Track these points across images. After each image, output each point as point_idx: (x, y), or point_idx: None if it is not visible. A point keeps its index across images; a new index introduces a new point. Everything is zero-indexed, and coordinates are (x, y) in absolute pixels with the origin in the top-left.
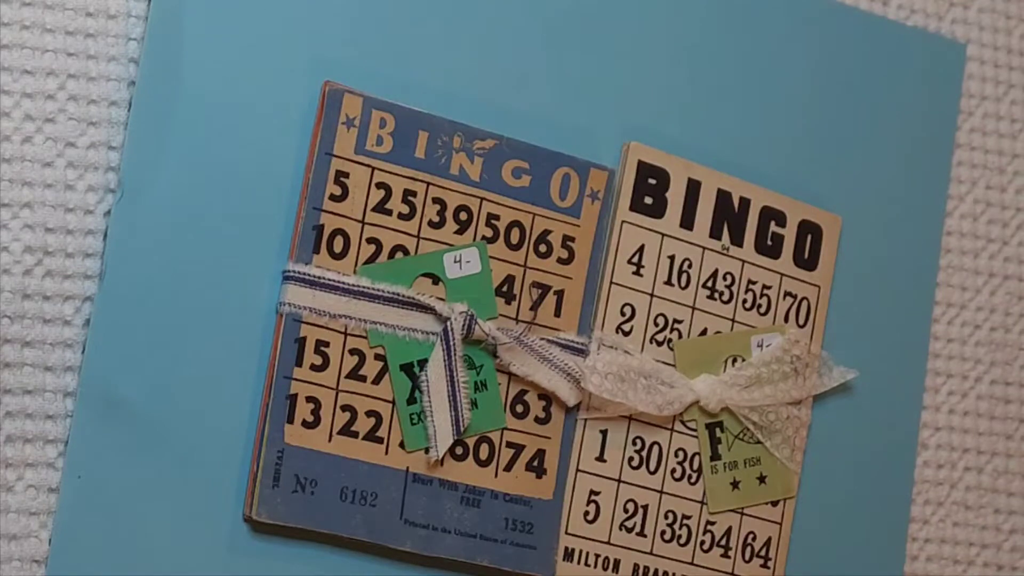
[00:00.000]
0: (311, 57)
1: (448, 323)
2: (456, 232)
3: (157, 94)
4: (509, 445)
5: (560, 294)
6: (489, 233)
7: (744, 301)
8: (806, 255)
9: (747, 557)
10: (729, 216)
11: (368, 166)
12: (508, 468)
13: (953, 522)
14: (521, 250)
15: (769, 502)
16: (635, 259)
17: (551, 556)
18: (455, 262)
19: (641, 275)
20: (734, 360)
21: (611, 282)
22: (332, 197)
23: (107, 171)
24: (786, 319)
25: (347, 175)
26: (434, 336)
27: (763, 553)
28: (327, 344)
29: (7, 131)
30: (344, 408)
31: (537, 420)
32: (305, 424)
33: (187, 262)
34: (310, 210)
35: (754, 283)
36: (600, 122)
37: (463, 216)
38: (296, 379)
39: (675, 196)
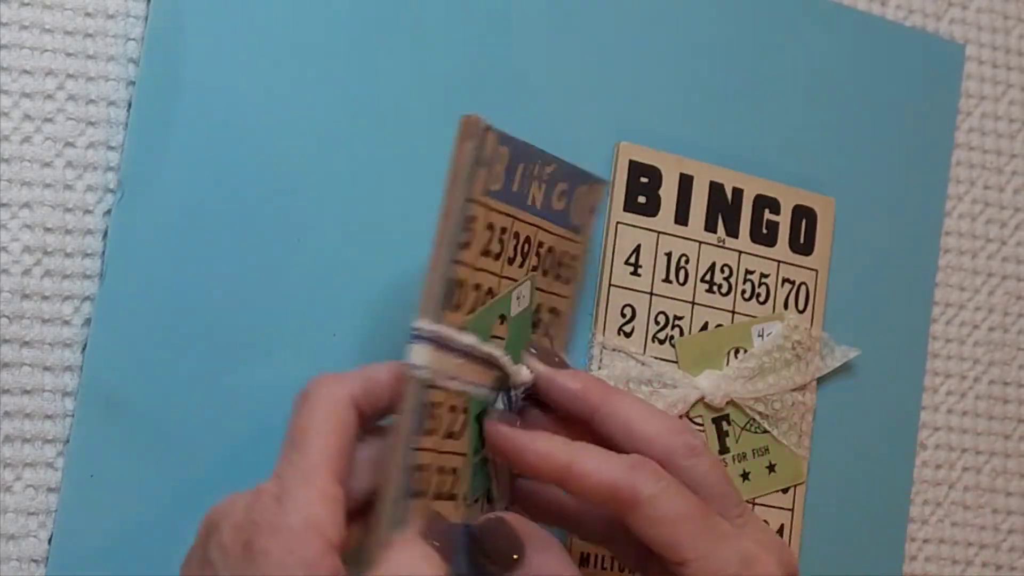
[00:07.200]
0: (311, 56)
1: (515, 391)
2: (519, 266)
3: (157, 94)
4: None
5: (558, 315)
6: (535, 262)
7: (743, 292)
8: (802, 240)
9: None
10: (723, 208)
11: (484, 205)
12: None
13: (952, 522)
14: (548, 276)
15: (780, 490)
16: (632, 259)
17: None
18: (517, 299)
19: (639, 275)
20: (736, 352)
21: (610, 284)
22: (462, 245)
23: (106, 171)
24: (786, 305)
25: (475, 219)
26: (494, 392)
27: None
28: (440, 405)
29: (6, 131)
30: (440, 470)
31: None
32: (414, 495)
33: (187, 262)
34: (449, 263)
35: (752, 272)
36: (592, 123)
37: (526, 248)
38: (420, 448)
39: (668, 192)
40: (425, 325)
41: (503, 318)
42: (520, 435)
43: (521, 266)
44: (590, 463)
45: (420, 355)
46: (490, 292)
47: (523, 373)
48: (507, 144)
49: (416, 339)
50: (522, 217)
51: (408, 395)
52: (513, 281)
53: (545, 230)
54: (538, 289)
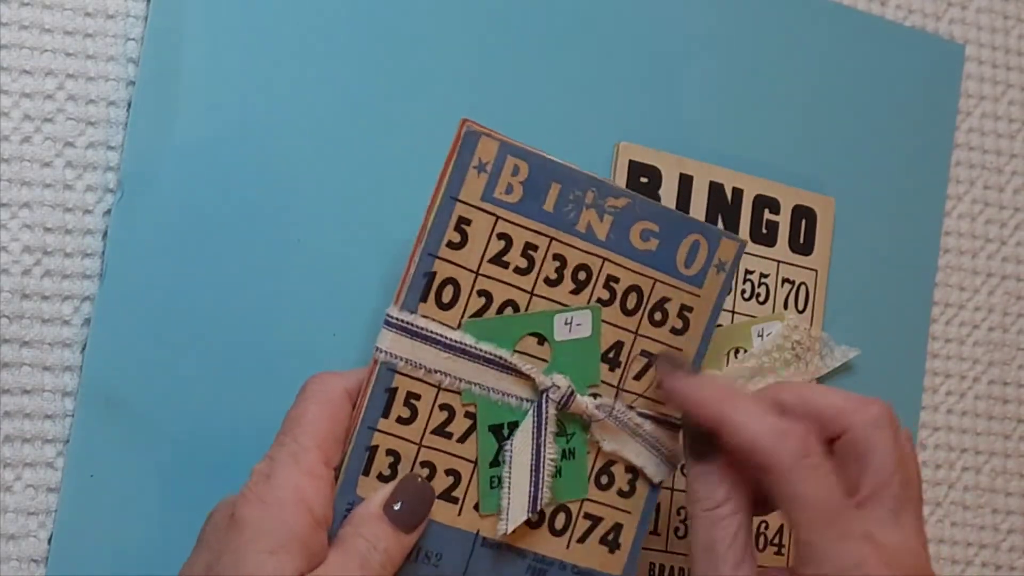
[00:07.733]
0: (311, 56)
1: (545, 395)
2: (572, 292)
3: (157, 94)
4: (587, 516)
5: None
6: (605, 296)
7: (743, 291)
8: (801, 240)
9: (761, 546)
10: (723, 208)
11: (492, 214)
12: (582, 540)
13: (951, 522)
14: (635, 316)
15: None
16: None
17: None
18: (565, 324)
19: None
20: (736, 352)
21: None
22: (450, 244)
23: (106, 171)
24: (785, 305)
25: (469, 222)
26: (528, 403)
27: (776, 541)
28: (418, 397)
29: (6, 131)
30: (424, 464)
31: (620, 493)
32: (381, 477)
33: (187, 262)
34: (425, 256)
35: (751, 272)
36: (592, 123)
37: (582, 276)
38: (380, 431)
39: (668, 192)
40: (393, 312)
41: (541, 338)
42: (684, 381)
43: (576, 293)
44: (743, 418)
45: (383, 339)
46: (511, 304)
47: (555, 379)
48: (524, 159)
49: (384, 324)
50: (568, 241)
51: (371, 376)
52: (555, 303)
53: (619, 265)
54: (611, 324)
